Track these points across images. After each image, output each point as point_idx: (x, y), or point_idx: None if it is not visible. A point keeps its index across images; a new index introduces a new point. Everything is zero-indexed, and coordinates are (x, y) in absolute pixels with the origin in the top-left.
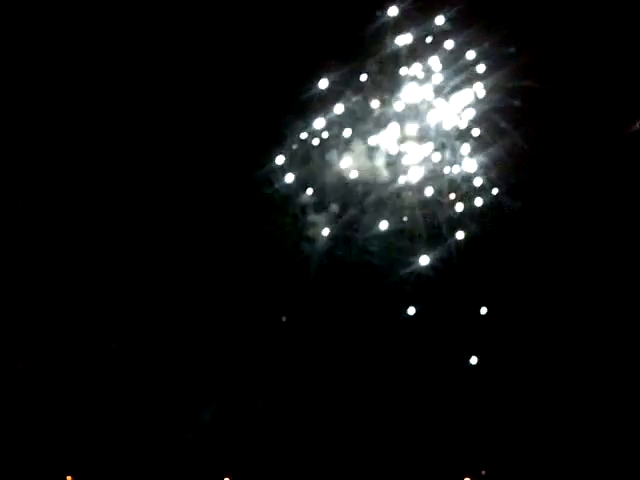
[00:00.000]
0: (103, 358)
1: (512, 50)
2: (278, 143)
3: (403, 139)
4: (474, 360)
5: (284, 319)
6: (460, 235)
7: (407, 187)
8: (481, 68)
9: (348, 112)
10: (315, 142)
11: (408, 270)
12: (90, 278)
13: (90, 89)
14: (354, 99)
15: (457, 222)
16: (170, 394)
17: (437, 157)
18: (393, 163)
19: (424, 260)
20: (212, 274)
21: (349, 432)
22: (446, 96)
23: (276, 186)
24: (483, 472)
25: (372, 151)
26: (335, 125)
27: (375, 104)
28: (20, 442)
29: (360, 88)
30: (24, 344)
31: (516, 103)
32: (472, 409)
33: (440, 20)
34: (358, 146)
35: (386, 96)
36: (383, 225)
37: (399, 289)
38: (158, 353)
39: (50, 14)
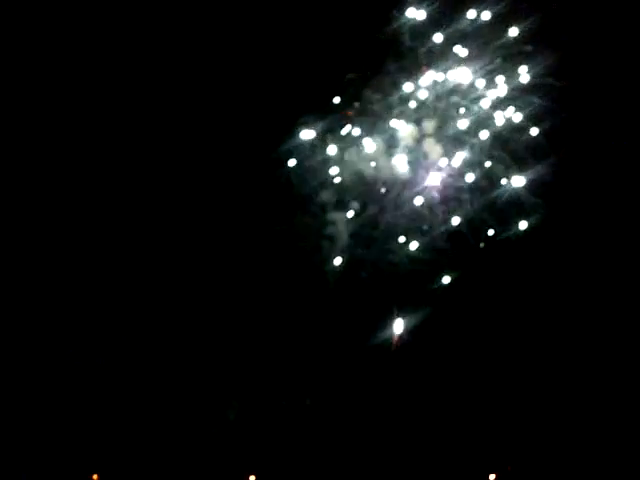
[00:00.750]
0: (129, 357)
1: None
2: (296, 141)
3: (421, 138)
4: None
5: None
6: (480, 233)
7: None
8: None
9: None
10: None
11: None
12: (114, 278)
13: (103, 90)
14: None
15: (477, 220)
16: (195, 393)
17: (458, 156)
18: (414, 162)
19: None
20: (232, 274)
21: (371, 430)
22: (464, 94)
23: (295, 185)
24: (509, 467)
25: (393, 149)
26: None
27: (394, 102)
28: (48, 440)
29: (379, 86)
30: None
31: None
32: (496, 409)
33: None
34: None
35: (405, 93)
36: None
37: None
38: (181, 353)
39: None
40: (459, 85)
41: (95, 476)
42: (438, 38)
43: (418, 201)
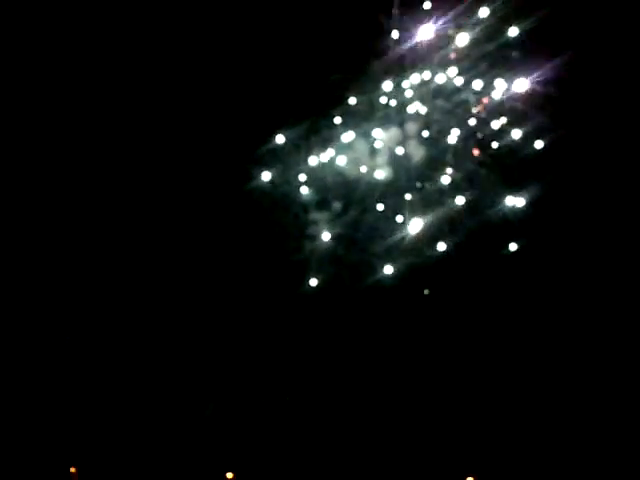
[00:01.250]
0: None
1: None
2: (278, 142)
3: (405, 138)
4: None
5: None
6: (462, 234)
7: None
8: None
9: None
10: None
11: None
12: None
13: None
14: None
15: (459, 221)
16: (174, 390)
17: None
18: (395, 162)
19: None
20: (215, 272)
21: (354, 430)
22: (448, 95)
23: (277, 184)
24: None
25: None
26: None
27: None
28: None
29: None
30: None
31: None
32: (475, 409)
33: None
34: (363, 145)
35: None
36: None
37: (402, 289)
38: (162, 352)
39: (50, 14)
40: (445, 88)
41: (73, 469)
42: (427, 40)
43: (401, 204)
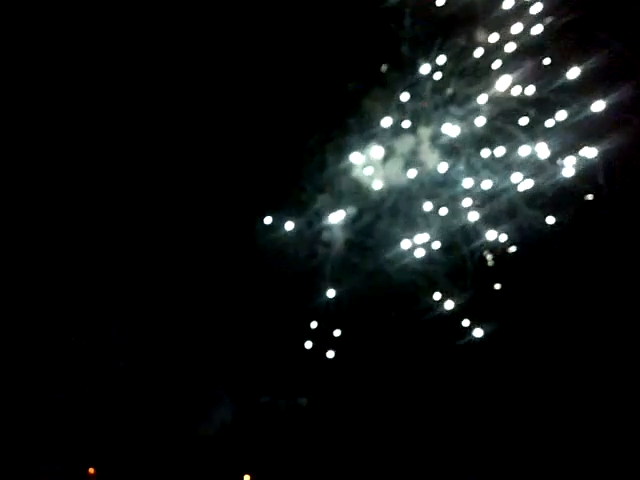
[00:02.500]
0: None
1: None
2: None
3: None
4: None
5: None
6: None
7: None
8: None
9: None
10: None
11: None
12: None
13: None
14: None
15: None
16: (191, 393)
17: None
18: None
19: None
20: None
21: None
22: (461, 104)
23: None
24: None
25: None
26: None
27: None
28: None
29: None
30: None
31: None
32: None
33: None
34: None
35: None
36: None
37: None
38: (180, 354)
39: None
40: (457, 94)
41: (92, 469)
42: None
43: (416, 210)
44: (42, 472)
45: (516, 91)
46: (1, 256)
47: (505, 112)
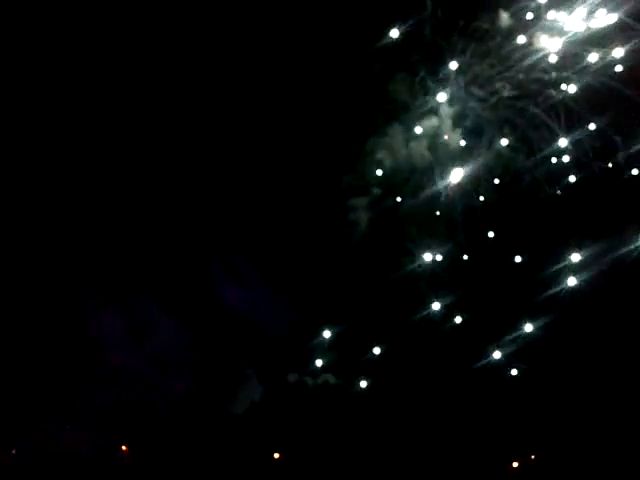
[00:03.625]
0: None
1: None
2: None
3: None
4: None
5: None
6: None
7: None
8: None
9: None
10: None
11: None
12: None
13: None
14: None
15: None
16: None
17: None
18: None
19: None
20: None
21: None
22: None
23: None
24: (532, 457)
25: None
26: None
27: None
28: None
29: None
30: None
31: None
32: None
33: None
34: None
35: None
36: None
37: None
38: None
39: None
40: (481, 81)
41: (125, 447)
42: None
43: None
44: (77, 448)
45: (538, 73)
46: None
47: (527, 94)
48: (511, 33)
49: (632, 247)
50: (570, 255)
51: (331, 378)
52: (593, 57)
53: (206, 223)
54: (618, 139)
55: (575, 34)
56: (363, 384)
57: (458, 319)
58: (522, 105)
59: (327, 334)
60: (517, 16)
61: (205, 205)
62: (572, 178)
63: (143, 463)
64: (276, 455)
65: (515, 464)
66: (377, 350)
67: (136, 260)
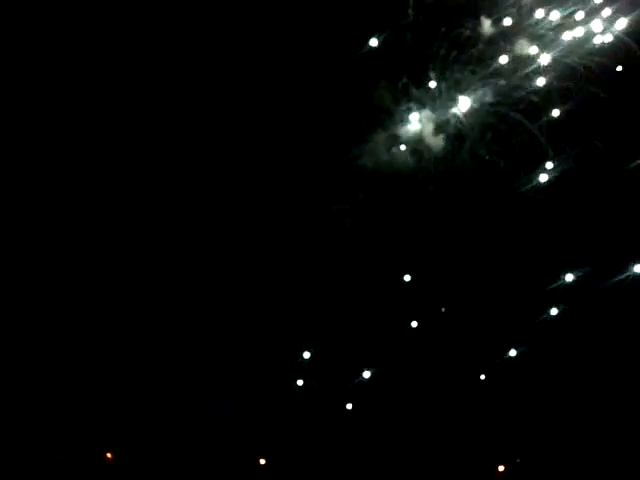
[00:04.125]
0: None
1: None
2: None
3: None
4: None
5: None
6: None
7: None
8: None
9: None
10: None
11: None
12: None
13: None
14: None
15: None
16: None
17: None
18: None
19: None
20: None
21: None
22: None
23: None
24: (517, 460)
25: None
26: None
27: None
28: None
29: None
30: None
31: None
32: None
33: None
34: None
35: None
36: None
37: None
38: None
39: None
40: (463, 87)
41: (109, 454)
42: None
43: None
44: (60, 457)
45: (521, 79)
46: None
47: (510, 100)
48: (493, 39)
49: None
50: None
51: (315, 384)
52: (576, 62)
53: None
54: (601, 145)
55: (558, 40)
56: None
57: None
58: (504, 111)
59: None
60: (499, 22)
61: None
62: (555, 184)
63: (128, 469)
64: (262, 461)
65: (501, 468)
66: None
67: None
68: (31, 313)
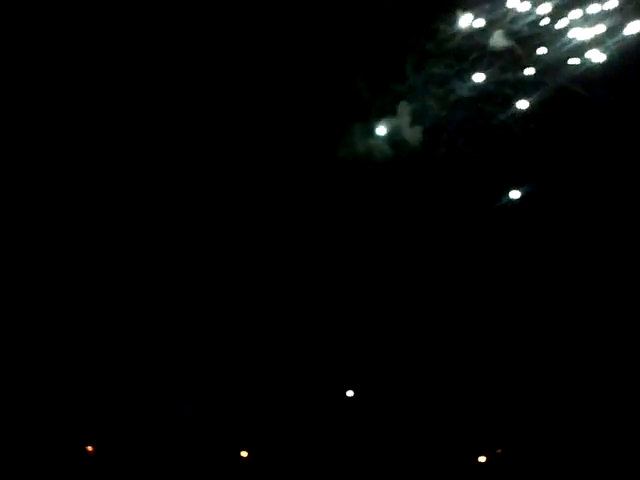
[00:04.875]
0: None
1: None
2: None
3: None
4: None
5: None
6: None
7: None
8: None
9: None
10: None
11: None
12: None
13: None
14: None
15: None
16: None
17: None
18: None
19: None
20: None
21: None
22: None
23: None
24: (499, 450)
25: None
26: None
27: None
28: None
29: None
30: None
31: None
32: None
33: None
34: None
35: None
36: None
37: None
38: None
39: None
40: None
41: (90, 447)
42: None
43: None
44: (40, 450)
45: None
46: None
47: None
48: (470, 34)
49: None
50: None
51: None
52: (552, 58)
53: None
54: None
55: (535, 35)
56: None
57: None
58: (481, 105)
59: None
60: (477, 17)
61: None
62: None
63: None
64: (244, 454)
65: (482, 458)
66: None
67: None
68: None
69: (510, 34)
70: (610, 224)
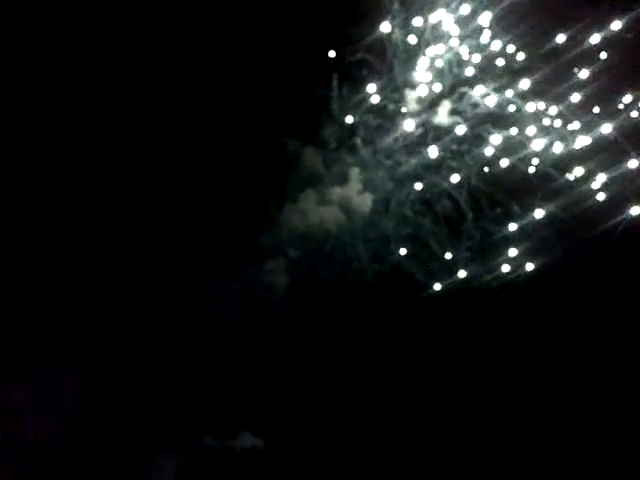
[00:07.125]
0: None
1: None
2: None
3: None
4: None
5: None
6: None
7: None
8: None
9: None
10: None
11: None
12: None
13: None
14: None
15: None
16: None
17: None
18: None
19: None
20: None
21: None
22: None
23: None
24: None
25: None
26: None
27: None
28: None
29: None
30: None
31: None
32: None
33: None
34: None
35: None
36: None
37: None
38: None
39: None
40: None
41: None
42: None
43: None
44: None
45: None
46: None
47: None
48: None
49: None
50: None
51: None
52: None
53: None
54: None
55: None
56: None
57: None
58: (426, 176)
59: None
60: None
61: None
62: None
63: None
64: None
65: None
66: None
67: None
68: None
69: (455, 112)
70: None
